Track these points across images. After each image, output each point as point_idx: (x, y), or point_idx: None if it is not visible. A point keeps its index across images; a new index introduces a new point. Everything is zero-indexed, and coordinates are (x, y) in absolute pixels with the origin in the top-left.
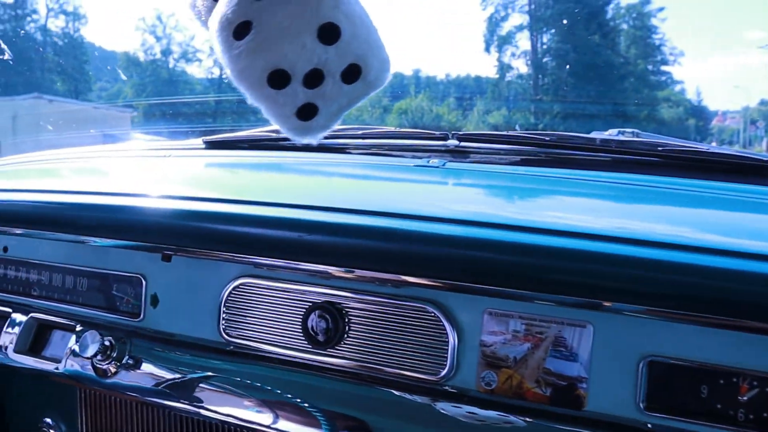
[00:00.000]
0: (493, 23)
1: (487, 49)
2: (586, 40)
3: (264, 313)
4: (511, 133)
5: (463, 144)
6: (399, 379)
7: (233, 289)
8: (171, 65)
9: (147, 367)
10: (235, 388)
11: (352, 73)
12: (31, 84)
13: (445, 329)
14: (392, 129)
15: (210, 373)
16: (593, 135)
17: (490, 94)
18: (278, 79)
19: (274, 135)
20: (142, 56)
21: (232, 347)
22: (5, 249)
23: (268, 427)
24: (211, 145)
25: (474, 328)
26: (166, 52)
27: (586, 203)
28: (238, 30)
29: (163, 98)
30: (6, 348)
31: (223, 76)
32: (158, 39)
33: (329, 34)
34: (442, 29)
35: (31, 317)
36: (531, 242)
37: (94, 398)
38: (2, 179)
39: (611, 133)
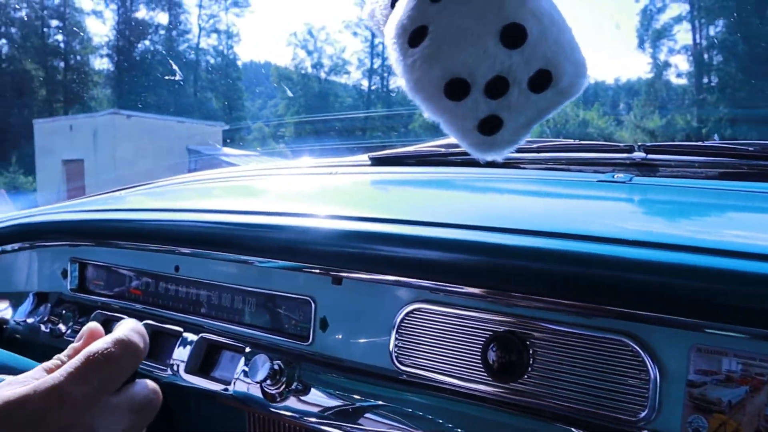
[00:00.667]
0: (648, 15)
1: (641, 45)
2: (758, 29)
3: (439, 340)
4: (706, 143)
5: (651, 156)
6: (589, 419)
7: (407, 314)
8: (322, 77)
9: (316, 392)
10: (407, 418)
11: (541, 80)
12: (183, 103)
13: (645, 366)
14: (570, 141)
15: (381, 402)
16: None
17: (644, 96)
18: (457, 89)
19: (442, 150)
20: (293, 70)
21: (404, 376)
22: (177, 268)
23: None
24: (378, 162)
25: (679, 365)
26: (317, 66)
27: None
28: (414, 36)
29: (330, 114)
30: (178, 367)
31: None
32: (309, 53)
33: (514, 35)
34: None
35: (202, 337)
36: (749, 270)
37: (262, 422)
38: (170, 199)
39: None
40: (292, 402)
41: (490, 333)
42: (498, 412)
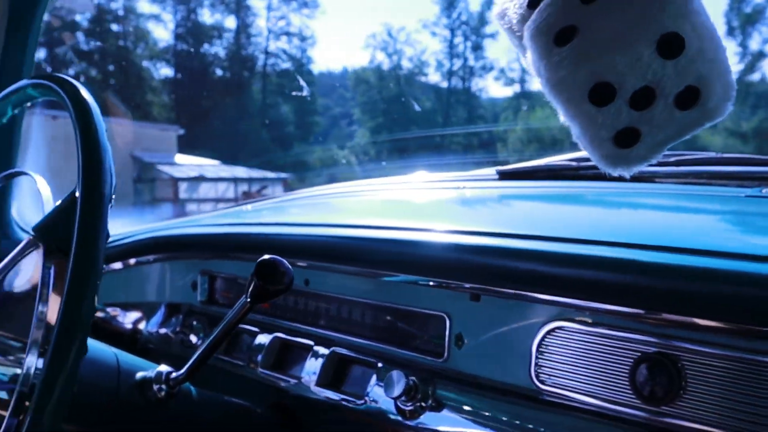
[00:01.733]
0: None
1: (730, 33)
2: None
3: (584, 360)
4: None
5: None
6: None
7: (548, 332)
8: (401, 82)
9: (451, 410)
10: None
11: (689, 97)
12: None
13: None
14: (711, 154)
15: (520, 422)
16: None
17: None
18: (602, 94)
19: (574, 164)
20: (371, 74)
21: (545, 396)
22: (306, 282)
23: None
24: (505, 176)
25: None
26: (395, 68)
27: None
28: (561, 35)
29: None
30: (308, 381)
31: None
32: (389, 55)
33: (671, 46)
34: None
35: (333, 351)
36: None
37: None
38: (297, 214)
39: None
40: (426, 419)
41: (639, 354)
42: None
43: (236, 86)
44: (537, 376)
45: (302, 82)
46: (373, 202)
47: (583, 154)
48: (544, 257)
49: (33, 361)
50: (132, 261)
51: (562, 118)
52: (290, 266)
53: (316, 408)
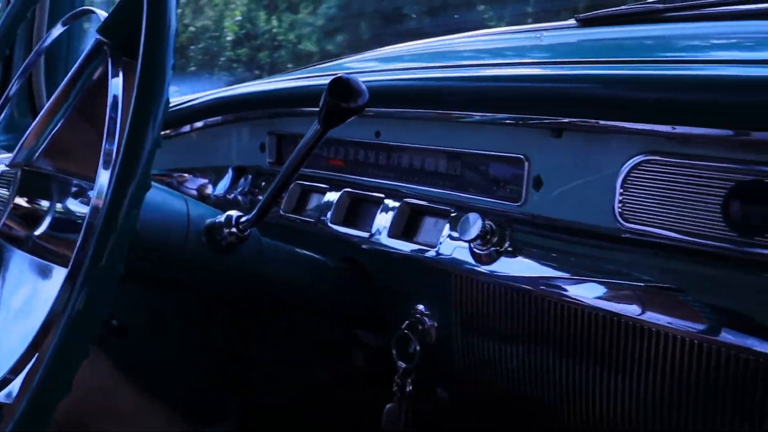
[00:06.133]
0: None
1: None
2: None
3: (672, 194)
4: None
5: None
6: None
7: (634, 167)
8: None
9: (528, 254)
10: (628, 279)
11: None
12: None
13: None
14: None
15: (602, 263)
16: None
17: None
18: None
19: (659, 6)
20: None
21: (628, 234)
22: (377, 134)
23: (656, 321)
24: (586, 23)
25: None
26: None
27: None
28: None
29: None
30: (380, 234)
31: None
32: None
33: None
34: None
35: (404, 202)
36: None
37: (469, 285)
38: (370, 67)
39: None
40: (501, 264)
41: (734, 182)
42: (741, 272)
43: None
44: (621, 215)
45: None
46: (447, 53)
47: None
48: (629, 81)
49: (105, 178)
50: (199, 124)
51: None
52: (365, 87)
53: (387, 260)
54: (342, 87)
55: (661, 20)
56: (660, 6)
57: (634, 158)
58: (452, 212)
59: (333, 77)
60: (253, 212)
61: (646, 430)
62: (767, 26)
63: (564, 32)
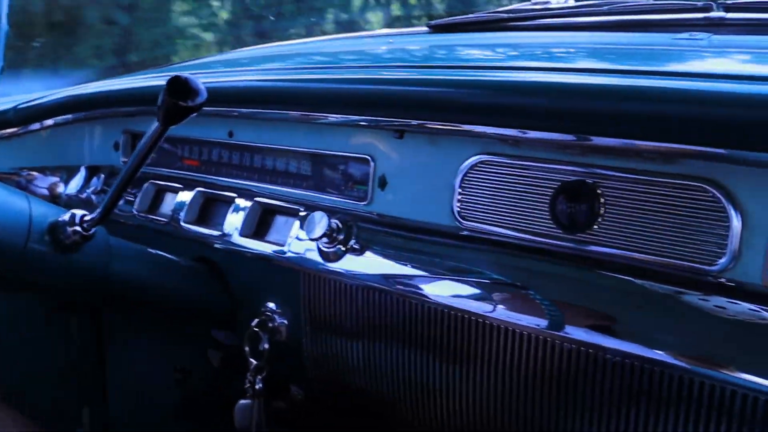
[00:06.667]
0: None
1: None
2: None
3: (505, 193)
4: None
5: (731, 15)
6: (662, 269)
7: (471, 167)
8: None
9: (373, 251)
10: (466, 275)
11: None
12: None
13: (726, 212)
14: (643, 2)
15: (440, 259)
16: None
17: None
18: None
19: (505, 15)
20: None
21: (466, 232)
22: (230, 134)
23: (499, 317)
24: (437, 29)
25: (763, 211)
26: None
27: None
28: None
29: None
30: (231, 233)
31: None
32: None
33: None
34: None
35: (256, 201)
36: None
37: (317, 283)
38: (222, 69)
39: None
40: (348, 261)
41: (559, 183)
42: (566, 266)
43: None
44: (459, 213)
45: None
46: (301, 55)
47: (514, 6)
48: (468, 85)
49: None
50: (50, 122)
51: None
52: (203, 86)
53: (240, 259)
54: (179, 86)
55: (506, 29)
56: (504, 15)
57: (471, 159)
58: (302, 211)
59: (171, 77)
60: (97, 210)
61: (492, 422)
62: (600, 38)
63: (416, 37)
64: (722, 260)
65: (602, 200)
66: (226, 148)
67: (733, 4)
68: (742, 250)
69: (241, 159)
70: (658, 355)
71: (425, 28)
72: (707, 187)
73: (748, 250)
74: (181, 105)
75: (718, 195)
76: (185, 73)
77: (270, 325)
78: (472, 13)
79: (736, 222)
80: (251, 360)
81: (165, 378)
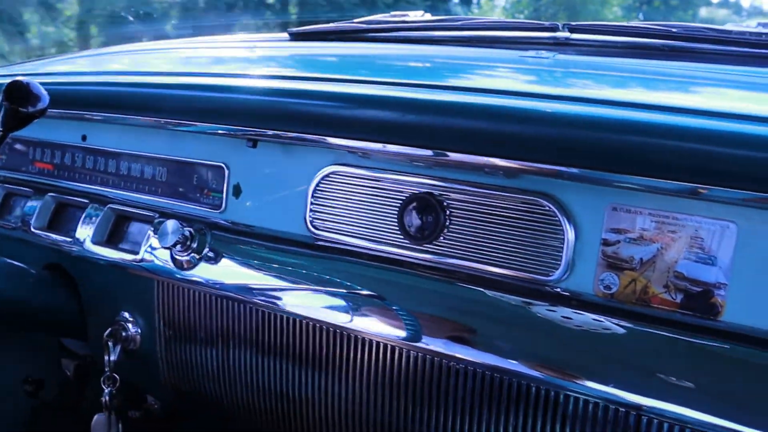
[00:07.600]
0: None
1: None
2: None
3: (355, 204)
4: (633, 24)
5: (575, 36)
6: (503, 279)
7: (323, 178)
8: None
9: (227, 260)
10: (320, 284)
11: None
12: None
13: (561, 225)
14: (496, 19)
15: (293, 268)
16: (728, 27)
17: None
18: None
19: (363, 26)
20: None
21: (318, 241)
22: (84, 138)
23: (351, 326)
24: (297, 37)
25: (594, 224)
26: None
27: (720, 92)
28: None
29: None
30: (83, 240)
31: None
32: None
33: None
34: None
35: (109, 208)
36: (665, 122)
37: (171, 291)
38: (84, 68)
39: (749, 26)
40: (202, 269)
41: (408, 195)
42: (413, 276)
43: None
44: (311, 223)
45: None
46: (165, 58)
47: (372, 17)
48: (321, 96)
49: None
50: None
51: None
52: (45, 91)
53: (92, 266)
54: (19, 91)
55: (365, 39)
56: (364, 26)
57: (323, 169)
58: (156, 218)
59: (10, 80)
60: None
61: (346, 430)
62: (454, 52)
63: (276, 45)
64: (558, 271)
65: (448, 212)
66: (80, 152)
67: (578, 26)
68: (575, 261)
69: (95, 164)
70: (511, 364)
71: (285, 35)
72: (543, 201)
73: (581, 262)
74: (21, 111)
75: (554, 209)
76: (25, 78)
77: (123, 334)
78: (332, 22)
79: (570, 234)
80: (106, 371)
81: (14, 390)
